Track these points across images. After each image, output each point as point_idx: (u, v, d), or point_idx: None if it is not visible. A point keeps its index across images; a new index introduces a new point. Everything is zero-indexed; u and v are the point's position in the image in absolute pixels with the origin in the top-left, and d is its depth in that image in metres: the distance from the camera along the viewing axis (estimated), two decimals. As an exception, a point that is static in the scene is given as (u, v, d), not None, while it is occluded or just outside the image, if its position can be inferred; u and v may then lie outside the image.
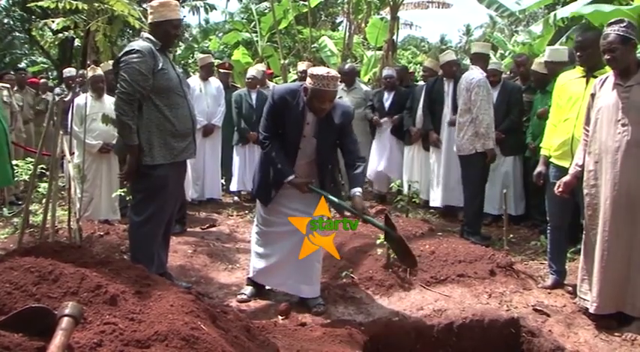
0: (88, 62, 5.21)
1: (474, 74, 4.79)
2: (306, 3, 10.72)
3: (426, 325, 3.21)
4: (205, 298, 3.21)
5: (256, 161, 3.77)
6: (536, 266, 4.28)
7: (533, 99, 5.32)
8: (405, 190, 5.44)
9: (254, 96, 6.43)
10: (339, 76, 3.22)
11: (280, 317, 3.23)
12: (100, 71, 5.30)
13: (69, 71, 7.73)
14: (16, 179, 4.15)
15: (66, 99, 5.82)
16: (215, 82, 6.59)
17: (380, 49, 11.21)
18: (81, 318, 1.70)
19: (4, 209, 5.98)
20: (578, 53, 3.51)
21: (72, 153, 4.69)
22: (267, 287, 3.61)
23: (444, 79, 5.84)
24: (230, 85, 7.26)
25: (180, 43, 14.75)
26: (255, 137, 6.10)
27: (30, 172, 4.40)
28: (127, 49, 3.30)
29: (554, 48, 5.24)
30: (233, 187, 6.74)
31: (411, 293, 3.53)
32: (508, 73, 6.67)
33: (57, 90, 7.58)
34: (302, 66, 7.00)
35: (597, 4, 6.18)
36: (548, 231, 3.79)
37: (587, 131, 3.20)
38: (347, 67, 7.22)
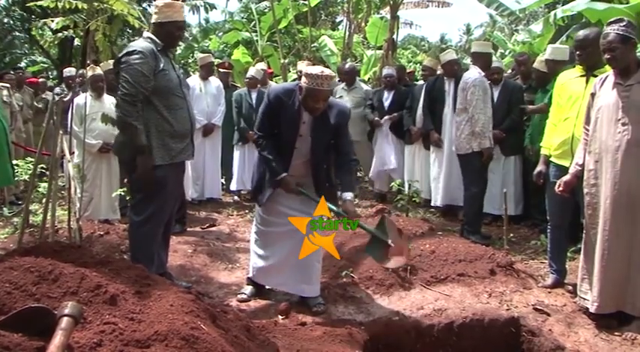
0: (88, 62, 5.20)
1: (471, 74, 4.84)
2: (306, 2, 10.71)
3: (426, 324, 3.21)
4: (205, 298, 3.21)
5: (255, 160, 3.76)
6: (536, 265, 4.28)
7: (534, 99, 5.32)
8: (406, 190, 5.44)
9: (254, 95, 6.42)
10: (333, 75, 3.21)
11: (280, 317, 3.23)
12: (99, 71, 5.29)
13: (69, 71, 7.74)
14: (16, 179, 4.15)
15: (66, 99, 5.81)
16: (215, 82, 6.59)
17: (380, 48, 11.20)
18: (81, 318, 1.70)
19: (4, 209, 5.98)
20: (577, 52, 3.50)
21: (72, 153, 4.69)
22: (267, 287, 3.61)
23: (445, 78, 5.85)
24: (230, 85, 7.27)
25: (180, 43, 14.73)
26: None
27: (30, 172, 4.40)
28: (128, 49, 3.28)
29: (556, 46, 5.24)
30: (233, 187, 6.75)
31: (411, 292, 3.53)
32: (510, 70, 6.67)
33: (57, 89, 7.58)
34: (302, 65, 7.00)
35: (592, 1, 6.20)
36: (548, 231, 3.80)
37: (588, 130, 3.20)
38: (347, 66, 7.23)
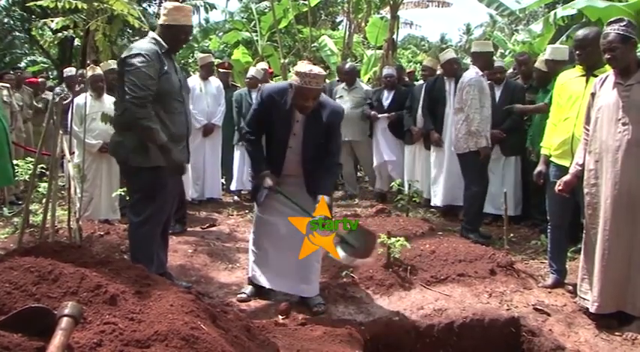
0: (88, 61, 5.20)
1: (469, 73, 4.89)
2: (306, 2, 10.71)
3: (426, 324, 3.21)
4: (205, 298, 3.22)
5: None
6: (536, 265, 4.28)
7: (536, 99, 5.31)
8: (406, 189, 5.44)
9: (255, 95, 6.41)
10: (323, 74, 3.20)
11: (280, 317, 3.22)
12: (99, 70, 5.29)
13: (69, 71, 7.74)
14: (16, 179, 4.15)
15: (67, 101, 5.81)
16: (215, 82, 6.59)
17: (380, 48, 11.20)
18: (81, 318, 1.70)
19: (5, 209, 5.98)
20: (577, 52, 3.50)
21: (72, 153, 4.69)
22: (267, 287, 3.61)
23: (445, 78, 5.85)
24: (230, 85, 7.27)
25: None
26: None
27: (30, 172, 4.39)
28: (133, 51, 3.23)
29: (556, 46, 5.23)
30: (233, 187, 6.75)
31: (411, 292, 3.53)
32: (512, 69, 6.67)
33: (57, 89, 7.57)
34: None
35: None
36: (548, 231, 3.79)
37: (588, 130, 3.20)
38: (347, 66, 7.22)
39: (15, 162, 3.97)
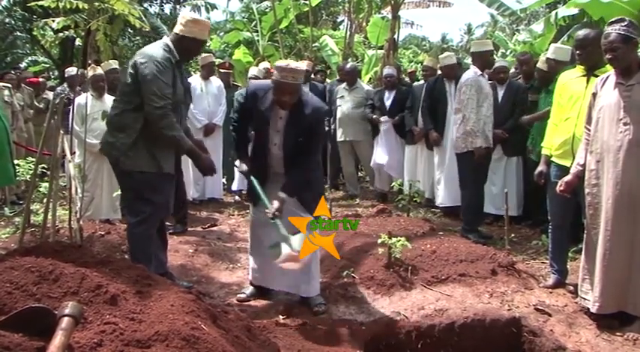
0: (89, 61, 5.20)
1: (467, 74, 4.90)
2: (307, 2, 10.72)
3: (427, 325, 3.20)
4: (206, 298, 3.22)
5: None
6: (537, 265, 4.27)
7: (538, 99, 5.30)
8: (407, 189, 5.44)
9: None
10: (301, 69, 3.20)
11: (281, 317, 3.22)
12: (100, 70, 5.29)
13: (71, 71, 7.74)
14: (17, 178, 4.15)
15: (68, 101, 5.81)
16: (216, 82, 6.59)
17: (381, 48, 11.21)
18: (81, 318, 1.70)
19: (6, 208, 5.99)
20: (577, 52, 3.50)
21: (73, 153, 4.69)
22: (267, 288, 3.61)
23: (445, 79, 5.85)
24: (231, 84, 7.27)
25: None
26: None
27: (31, 172, 4.40)
28: (148, 58, 3.19)
29: (559, 46, 5.22)
30: (234, 187, 6.74)
31: (412, 292, 3.52)
32: (514, 69, 6.67)
33: (58, 89, 7.58)
34: (302, 65, 6.99)
35: None
36: (549, 231, 3.79)
37: (589, 130, 3.19)
38: (348, 66, 7.22)
39: (16, 161, 3.98)
